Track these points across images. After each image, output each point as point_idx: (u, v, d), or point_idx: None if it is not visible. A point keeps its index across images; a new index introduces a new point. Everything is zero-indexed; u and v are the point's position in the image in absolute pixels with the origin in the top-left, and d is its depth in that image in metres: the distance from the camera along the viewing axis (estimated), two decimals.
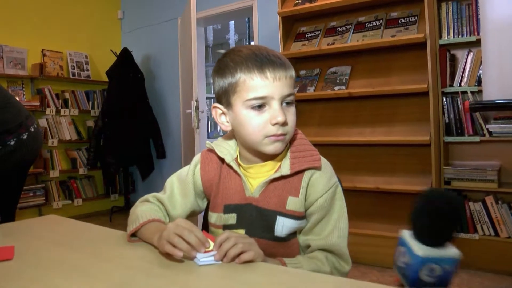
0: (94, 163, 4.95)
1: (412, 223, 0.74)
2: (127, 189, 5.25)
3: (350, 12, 3.44)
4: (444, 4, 3.07)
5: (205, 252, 0.86)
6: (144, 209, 1.07)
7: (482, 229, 2.91)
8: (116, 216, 4.92)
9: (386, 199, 3.17)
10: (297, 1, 3.51)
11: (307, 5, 3.40)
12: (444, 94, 3.07)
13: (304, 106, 3.68)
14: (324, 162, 1.07)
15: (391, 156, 3.21)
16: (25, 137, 2.28)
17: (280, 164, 1.05)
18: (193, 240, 0.85)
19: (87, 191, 5.07)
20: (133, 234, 1.02)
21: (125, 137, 4.75)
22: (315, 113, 3.59)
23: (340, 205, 1.05)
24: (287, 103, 1.00)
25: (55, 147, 4.72)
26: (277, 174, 1.02)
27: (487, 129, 2.87)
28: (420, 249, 0.69)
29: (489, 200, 2.88)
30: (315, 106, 3.61)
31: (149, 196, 1.14)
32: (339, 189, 1.06)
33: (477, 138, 2.92)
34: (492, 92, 2.45)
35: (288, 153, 1.05)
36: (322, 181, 1.03)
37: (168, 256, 0.86)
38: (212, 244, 0.88)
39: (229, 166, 1.08)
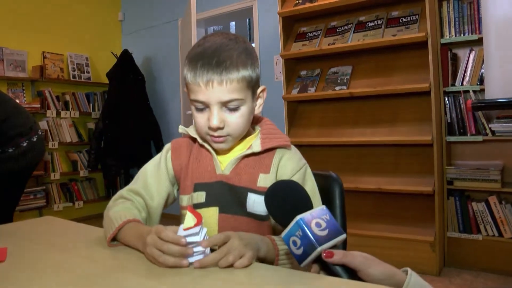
0: (95, 165, 4.94)
1: (276, 213, 0.82)
2: None
3: (351, 11, 3.42)
4: (445, 2, 3.05)
5: (187, 228, 0.81)
6: (117, 210, 1.04)
7: (486, 230, 2.89)
8: None
9: (389, 200, 3.15)
10: (297, 1, 3.50)
11: (308, 5, 3.39)
12: (446, 93, 3.05)
13: (305, 107, 3.66)
14: (293, 147, 1.11)
15: (393, 157, 3.18)
16: (35, 139, 2.42)
17: (252, 144, 1.07)
18: (171, 249, 0.81)
19: (88, 194, 5.06)
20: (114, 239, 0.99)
21: (126, 139, 4.74)
22: (316, 113, 3.57)
23: (312, 185, 1.08)
24: (230, 109, 0.99)
25: (56, 149, 4.71)
26: (248, 151, 1.05)
27: (490, 128, 2.84)
28: (299, 216, 0.76)
29: (492, 200, 2.85)
30: (316, 107, 3.60)
31: (123, 191, 1.11)
32: (309, 170, 1.10)
33: (479, 138, 2.90)
34: (495, 91, 2.43)
35: (259, 134, 1.09)
36: (293, 161, 1.07)
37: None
38: (193, 220, 0.83)
39: (201, 146, 1.09)
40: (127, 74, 4.87)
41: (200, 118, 1.01)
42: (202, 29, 5.04)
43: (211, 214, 1.05)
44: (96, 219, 4.90)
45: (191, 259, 0.82)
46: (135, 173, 4.65)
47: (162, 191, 1.11)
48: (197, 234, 0.82)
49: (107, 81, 4.98)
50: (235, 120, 1.00)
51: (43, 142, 2.55)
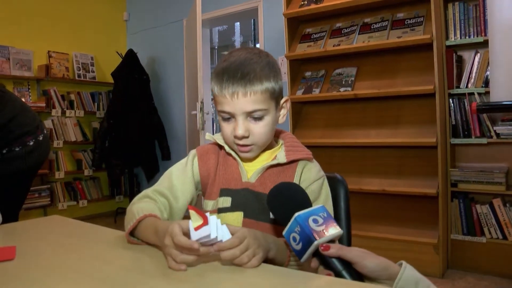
0: (99, 165, 4.96)
1: (277, 212, 0.88)
2: (132, 190, 5.25)
3: (356, 13, 3.42)
4: (450, 4, 3.04)
5: (197, 228, 0.82)
6: (140, 206, 1.06)
7: (490, 232, 2.88)
8: (121, 217, 4.92)
9: (392, 201, 3.15)
10: (302, 2, 3.50)
11: (313, 6, 3.39)
12: (451, 95, 3.05)
13: (309, 108, 3.67)
14: (313, 159, 1.18)
15: (397, 158, 3.18)
16: (41, 138, 2.42)
17: (276, 155, 1.14)
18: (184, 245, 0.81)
19: (92, 193, 5.08)
20: (133, 234, 1.01)
21: (130, 139, 4.76)
22: (321, 114, 3.57)
23: (326, 194, 1.15)
24: (254, 118, 1.04)
25: (61, 148, 4.73)
26: (274, 162, 1.11)
27: (495, 131, 2.84)
28: (297, 213, 0.80)
29: (497, 202, 2.85)
30: (320, 108, 3.60)
31: (149, 191, 1.13)
32: (326, 181, 1.17)
33: (484, 140, 2.90)
34: (500, 94, 2.43)
35: (283, 147, 1.15)
36: (314, 171, 1.14)
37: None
38: (200, 218, 0.83)
39: (228, 154, 1.14)
40: (132, 74, 4.89)
41: (227, 128, 1.07)
42: (207, 29, 5.06)
43: (236, 217, 1.10)
44: (100, 218, 4.93)
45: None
46: (139, 172, 4.66)
47: (186, 194, 1.14)
48: (208, 236, 0.82)
49: (112, 81, 5.00)
50: (259, 130, 1.05)
51: (48, 141, 2.56)
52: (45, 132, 2.49)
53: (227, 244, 0.83)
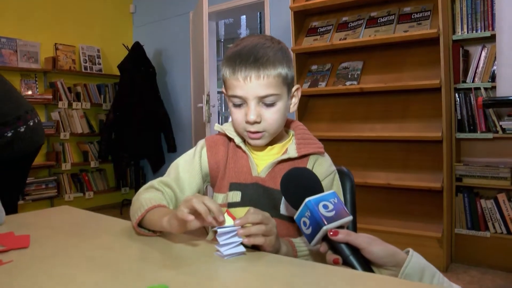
0: (106, 156, 5.00)
1: (289, 197, 0.89)
2: (137, 182, 5.29)
3: (363, 7, 3.42)
4: None
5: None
6: (148, 197, 1.06)
7: (494, 227, 2.89)
8: (127, 209, 4.92)
9: (397, 195, 3.16)
10: None
11: None
12: (457, 90, 3.04)
13: (315, 101, 3.68)
14: (325, 152, 1.16)
15: (403, 152, 3.19)
16: (22, 130, 2.30)
17: (287, 149, 1.11)
18: (213, 207, 0.84)
19: (98, 184, 5.12)
20: (140, 224, 1.01)
21: (136, 131, 4.78)
22: (327, 108, 3.58)
23: (337, 188, 1.14)
24: (266, 104, 1.02)
25: (67, 140, 4.77)
26: (285, 156, 1.09)
27: (501, 126, 2.84)
28: (308, 198, 0.82)
29: (502, 197, 2.85)
30: (326, 101, 3.61)
31: (155, 182, 1.13)
32: (337, 176, 1.16)
33: (490, 135, 2.90)
34: (506, 88, 2.42)
35: (293, 140, 1.13)
36: (325, 165, 1.12)
37: (183, 242, 0.86)
38: (231, 220, 0.87)
39: (238, 147, 1.13)
40: (138, 66, 4.90)
41: (238, 114, 1.05)
42: (213, 22, 5.05)
43: None
44: (106, 210, 4.97)
45: (225, 252, 0.85)
46: (145, 164, 4.67)
47: (193, 186, 1.13)
48: (233, 231, 0.86)
49: (118, 73, 5.02)
50: (271, 116, 1.03)
51: (34, 133, 2.39)
52: (31, 123, 2.36)
53: (253, 230, 0.86)
